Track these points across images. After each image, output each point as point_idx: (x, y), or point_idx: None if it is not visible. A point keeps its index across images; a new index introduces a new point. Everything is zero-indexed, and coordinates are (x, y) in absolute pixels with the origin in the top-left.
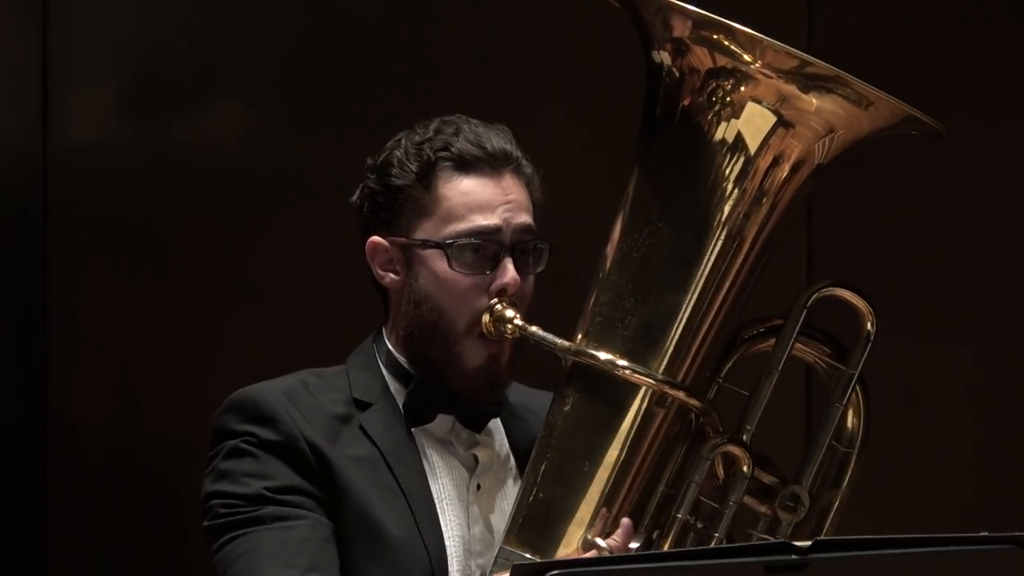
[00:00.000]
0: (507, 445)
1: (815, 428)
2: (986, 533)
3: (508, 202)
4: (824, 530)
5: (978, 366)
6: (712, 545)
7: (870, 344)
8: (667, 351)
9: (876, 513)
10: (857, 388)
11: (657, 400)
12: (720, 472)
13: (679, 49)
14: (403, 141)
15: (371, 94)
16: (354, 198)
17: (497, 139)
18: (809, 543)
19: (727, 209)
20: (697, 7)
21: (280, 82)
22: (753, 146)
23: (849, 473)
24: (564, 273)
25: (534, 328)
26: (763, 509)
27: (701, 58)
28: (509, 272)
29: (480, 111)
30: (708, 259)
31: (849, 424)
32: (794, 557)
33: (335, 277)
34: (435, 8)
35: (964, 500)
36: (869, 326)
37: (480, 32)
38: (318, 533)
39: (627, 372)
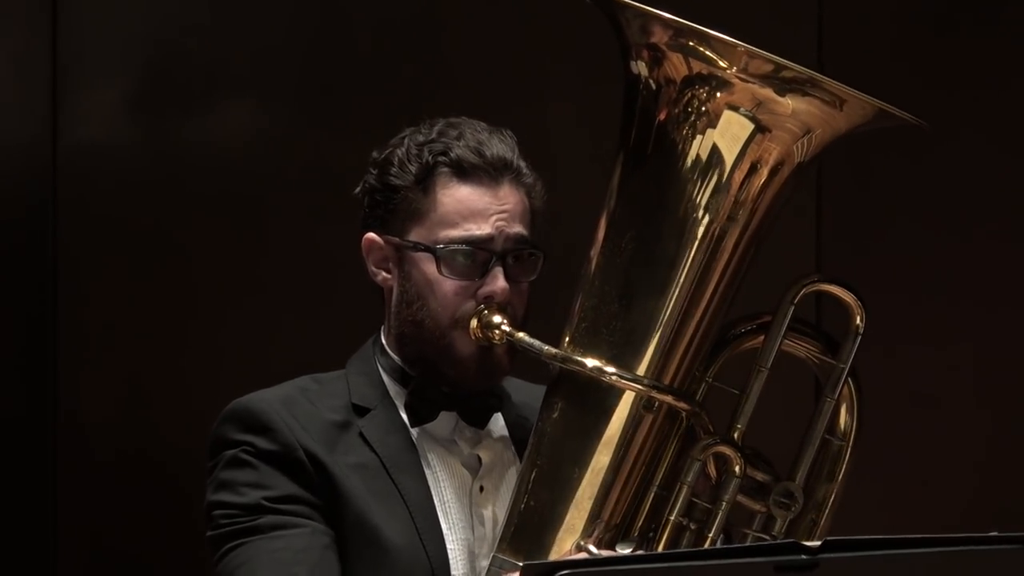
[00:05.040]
0: (511, 444)
1: (808, 423)
2: (996, 533)
3: (503, 211)
4: (820, 524)
5: (988, 367)
6: (706, 546)
7: (859, 338)
8: (653, 354)
9: (886, 513)
10: (849, 382)
11: (645, 404)
12: (713, 472)
13: (655, 57)
14: (406, 140)
15: (379, 94)
16: (357, 190)
17: (498, 146)
18: (819, 543)
19: (708, 213)
20: (694, 14)
21: (289, 82)
22: (732, 154)
23: (844, 466)
24: (573, 274)
25: (521, 334)
26: (757, 507)
27: (677, 65)
28: (498, 280)
29: (487, 112)
30: (691, 261)
31: (842, 418)
32: (804, 557)
33: (342, 277)
34: (443, 9)
35: (973, 500)
36: (858, 320)
37: (487, 32)
38: (317, 541)
39: (614, 378)
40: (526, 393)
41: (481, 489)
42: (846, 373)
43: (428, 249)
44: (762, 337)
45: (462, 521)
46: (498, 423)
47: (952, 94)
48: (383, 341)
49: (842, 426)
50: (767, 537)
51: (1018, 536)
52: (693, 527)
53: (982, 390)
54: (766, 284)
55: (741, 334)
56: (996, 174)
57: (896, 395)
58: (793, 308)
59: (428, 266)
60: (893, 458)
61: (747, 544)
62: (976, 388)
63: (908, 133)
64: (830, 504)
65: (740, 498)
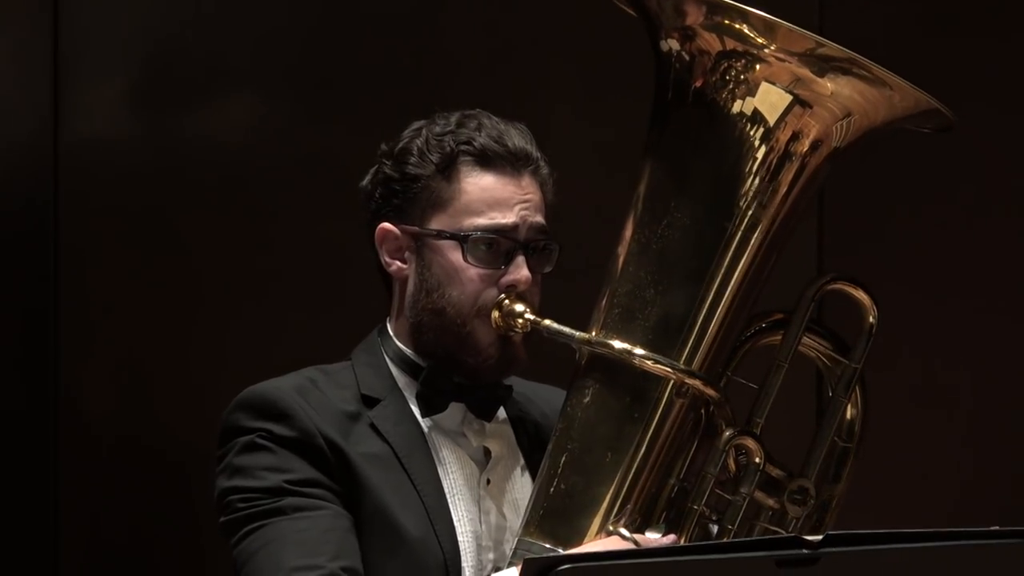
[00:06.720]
0: (515, 436)
1: (819, 423)
2: (996, 528)
3: (525, 201)
4: (825, 524)
5: (988, 365)
6: (727, 538)
7: (871, 338)
8: (687, 341)
9: (887, 508)
10: (857, 383)
11: (676, 390)
12: (731, 464)
13: (689, 36)
14: (423, 131)
15: (381, 88)
16: (364, 182)
17: (518, 138)
18: (820, 537)
19: (746, 189)
20: None
21: (290, 75)
22: (770, 120)
23: (848, 467)
24: (573, 271)
25: (547, 321)
26: (771, 502)
27: (712, 42)
28: (522, 269)
29: (490, 105)
30: (727, 246)
31: (849, 418)
32: (805, 551)
33: (346, 269)
34: (444, 3)
35: (973, 496)
36: (871, 319)
37: (490, 27)
38: (340, 523)
39: (648, 362)
40: (523, 386)
41: (488, 482)
42: (858, 373)
43: (453, 237)
44: (778, 334)
45: (470, 513)
46: (501, 416)
47: (957, 83)
48: (391, 331)
49: (848, 426)
50: (780, 530)
51: (1018, 531)
52: (714, 518)
53: (986, 388)
54: (768, 282)
55: (759, 331)
56: (997, 173)
57: (896, 392)
58: (813, 305)
59: (452, 254)
60: (894, 454)
61: (749, 539)
62: (976, 386)
63: (910, 130)
64: (834, 505)
65: (755, 493)
